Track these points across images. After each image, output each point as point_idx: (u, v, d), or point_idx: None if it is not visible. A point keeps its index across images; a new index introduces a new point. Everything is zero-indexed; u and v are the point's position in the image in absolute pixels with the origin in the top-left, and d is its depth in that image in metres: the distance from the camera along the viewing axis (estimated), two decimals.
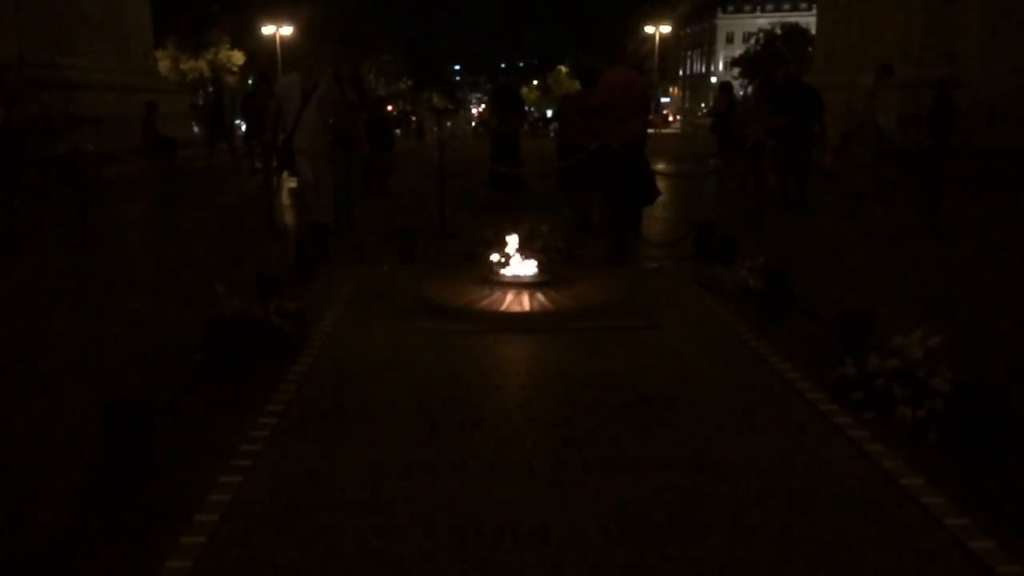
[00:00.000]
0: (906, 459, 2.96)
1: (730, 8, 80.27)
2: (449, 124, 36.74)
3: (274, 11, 38.34)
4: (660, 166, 13.69)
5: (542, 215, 6.13)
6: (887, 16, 16.60)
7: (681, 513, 2.60)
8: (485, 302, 4.98)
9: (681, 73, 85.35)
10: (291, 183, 11.86)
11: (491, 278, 5.31)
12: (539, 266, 5.36)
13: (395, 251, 6.88)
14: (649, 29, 55.86)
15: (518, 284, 5.21)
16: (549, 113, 54.64)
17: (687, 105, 73.32)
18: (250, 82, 34.08)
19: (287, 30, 38.78)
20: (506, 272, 5.33)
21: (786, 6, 73.34)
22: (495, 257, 5.42)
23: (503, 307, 4.91)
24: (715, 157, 14.60)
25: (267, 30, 38.95)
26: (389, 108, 30.93)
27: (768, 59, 47.18)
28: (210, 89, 22.39)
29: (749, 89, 37.21)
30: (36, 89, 13.67)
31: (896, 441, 3.12)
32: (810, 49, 36.20)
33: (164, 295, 5.80)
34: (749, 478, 2.84)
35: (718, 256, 6.44)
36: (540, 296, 5.04)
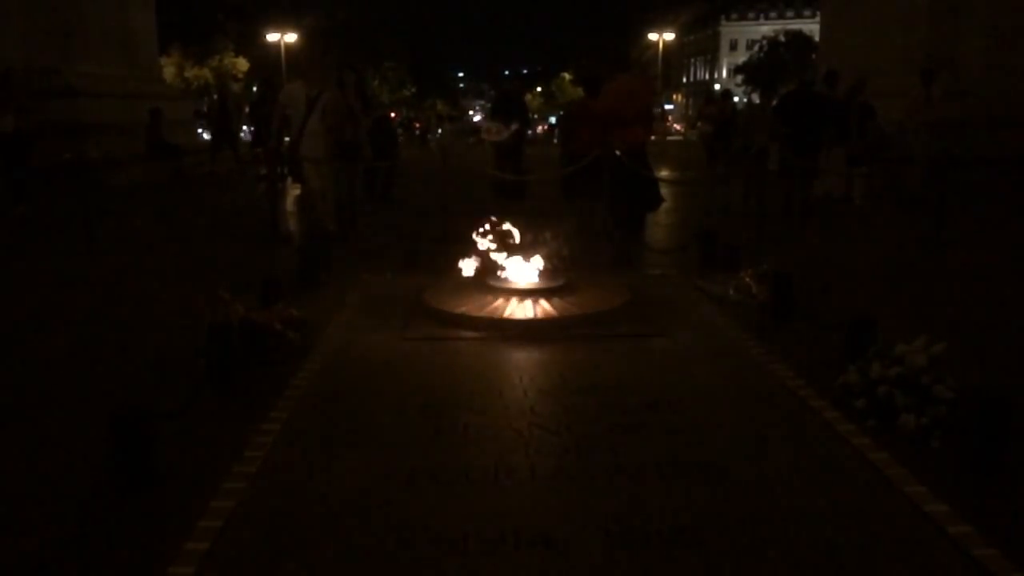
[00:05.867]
0: (909, 467, 2.96)
1: (733, 15, 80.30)
2: (450, 130, 36.80)
3: (278, 19, 38.49)
4: (663, 173, 13.69)
5: (545, 222, 6.13)
6: (890, 23, 16.61)
7: (683, 521, 2.60)
8: (488, 309, 4.98)
9: (685, 80, 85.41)
10: (295, 190, 11.90)
11: (494, 285, 5.32)
12: (542, 273, 5.37)
13: (398, 258, 6.89)
14: (653, 36, 55.94)
15: (521, 291, 5.21)
16: (552, 120, 54.77)
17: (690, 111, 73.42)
18: (255, 89, 34.23)
19: (291, 37, 38.89)
20: (509, 279, 5.34)
21: (789, 13, 73.33)
22: (498, 264, 5.43)
23: (506, 314, 4.91)
24: (718, 164, 14.61)
25: (271, 37, 39.08)
26: (392, 115, 31.01)
27: (772, 67, 47.25)
28: (215, 96, 22.48)
29: (753, 97, 37.27)
30: (41, 96, 13.71)
31: (899, 449, 3.12)
32: (813, 56, 36.22)
33: (168, 301, 5.81)
34: (752, 485, 2.84)
35: (721, 263, 6.44)
36: (543, 303, 5.04)
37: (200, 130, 22.05)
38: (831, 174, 10.96)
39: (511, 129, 11.95)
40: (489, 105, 29.09)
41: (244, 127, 18.29)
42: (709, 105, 17.84)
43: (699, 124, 17.74)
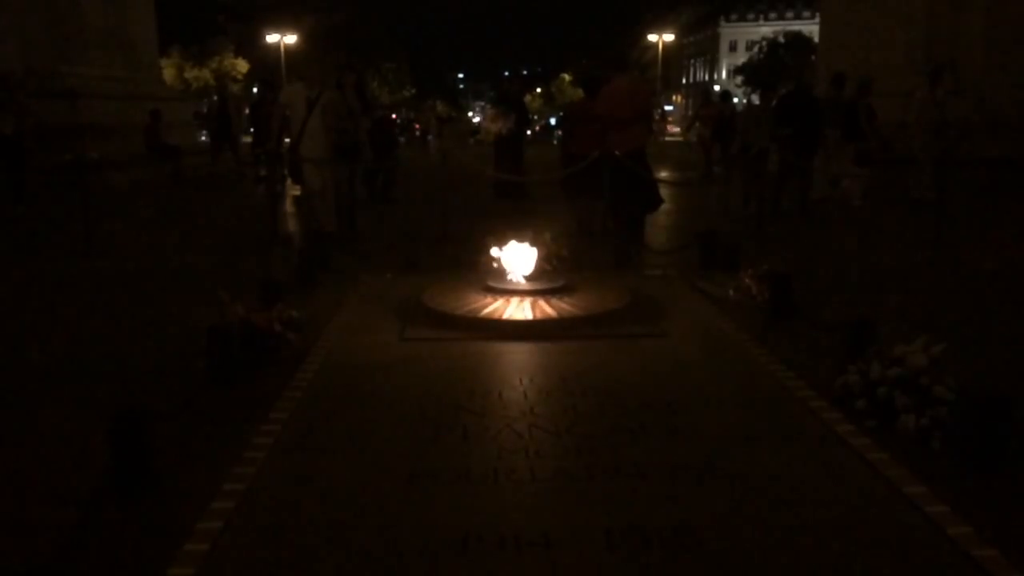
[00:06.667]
0: (909, 468, 2.95)
1: (733, 16, 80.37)
2: (448, 132, 36.79)
3: (278, 20, 38.52)
4: (663, 174, 13.70)
5: (545, 223, 6.14)
6: (890, 25, 16.64)
7: (683, 522, 2.59)
8: (488, 310, 4.98)
9: (684, 81, 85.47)
10: (295, 191, 11.90)
11: (494, 286, 5.32)
12: (542, 274, 5.37)
13: (398, 259, 6.89)
14: (652, 37, 55.98)
15: (520, 292, 5.21)
16: (553, 121, 54.83)
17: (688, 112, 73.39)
18: (255, 90, 34.26)
19: (291, 39, 38.93)
20: (509, 280, 5.34)
21: (789, 14, 73.42)
22: (498, 265, 5.43)
23: (505, 315, 4.91)
24: (718, 165, 14.62)
25: (271, 38, 39.11)
26: (393, 116, 31.03)
27: (771, 68, 47.27)
28: (215, 97, 22.49)
29: (752, 98, 37.23)
30: (41, 98, 13.72)
31: (899, 450, 3.12)
32: (813, 57, 36.24)
33: (167, 302, 5.81)
34: (751, 486, 2.84)
35: (721, 264, 6.44)
36: (542, 304, 5.04)
37: (202, 134, 22.06)
38: (843, 175, 10.95)
39: (510, 119, 11.95)
40: (488, 107, 29.04)
41: (246, 128, 18.27)
42: (705, 107, 17.83)
43: (696, 125, 17.72)
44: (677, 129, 41.80)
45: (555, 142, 24.93)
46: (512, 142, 12.62)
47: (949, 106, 11.48)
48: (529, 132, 19.40)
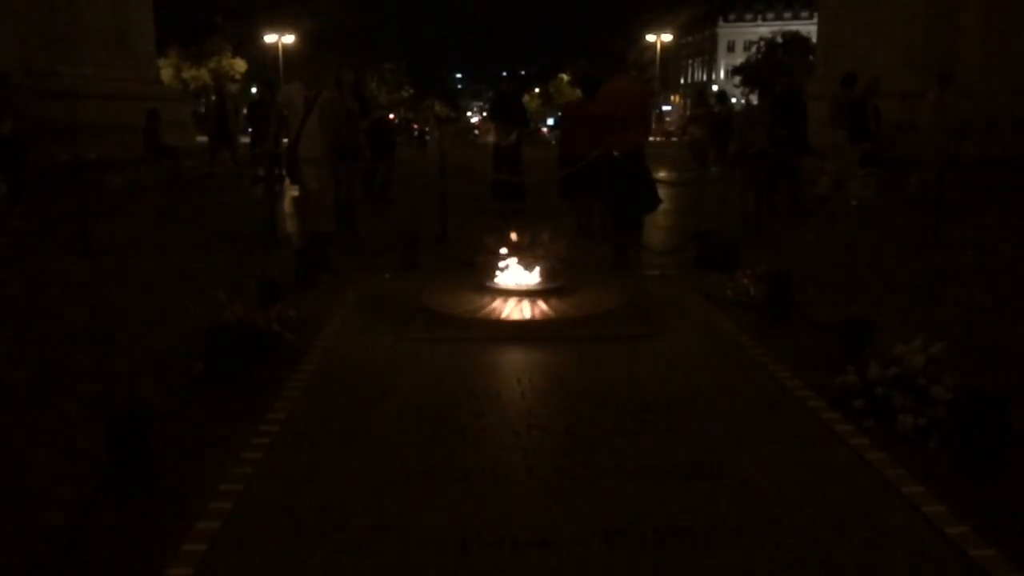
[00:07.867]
0: (907, 468, 2.96)
1: (731, 17, 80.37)
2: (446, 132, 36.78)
3: (276, 20, 38.51)
4: (661, 174, 13.70)
5: (543, 223, 6.14)
6: (888, 25, 16.65)
7: (682, 521, 2.60)
8: (486, 310, 4.98)
9: (683, 81, 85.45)
10: (293, 191, 11.89)
11: (492, 286, 5.32)
12: (540, 274, 5.37)
13: (396, 259, 6.89)
14: (650, 38, 56.02)
15: (519, 292, 5.21)
16: (551, 121, 54.86)
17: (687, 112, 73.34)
18: (253, 90, 34.25)
19: (289, 39, 38.92)
20: (507, 280, 5.34)
21: (787, 15, 73.42)
22: (496, 265, 5.43)
23: (504, 315, 4.91)
24: (715, 165, 14.63)
25: (269, 39, 39.10)
26: (391, 116, 31.01)
27: (769, 68, 47.31)
28: (212, 97, 22.47)
29: (751, 98, 37.27)
30: (39, 98, 13.72)
31: (897, 449, 3.12)
32: (811, 58, 36.26)
33: (166, 303, 5.81)
34: (750, 486, 2.84)
35: (719, 264, 6.44)
36: (541, 304, 5.04)
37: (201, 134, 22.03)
38: (848, 175, 10.94)
39: (511, 136, 11.93)
40: (487, 106, 29.05)
41: (245, 128, 18.25)
42: (698, 107, 17.83)
43: (690, 128, 17.70)
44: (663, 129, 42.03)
45: (553, 142, 24.91)
46: (510, 143, 12.60)
47: (951, 106, 11.50)
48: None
